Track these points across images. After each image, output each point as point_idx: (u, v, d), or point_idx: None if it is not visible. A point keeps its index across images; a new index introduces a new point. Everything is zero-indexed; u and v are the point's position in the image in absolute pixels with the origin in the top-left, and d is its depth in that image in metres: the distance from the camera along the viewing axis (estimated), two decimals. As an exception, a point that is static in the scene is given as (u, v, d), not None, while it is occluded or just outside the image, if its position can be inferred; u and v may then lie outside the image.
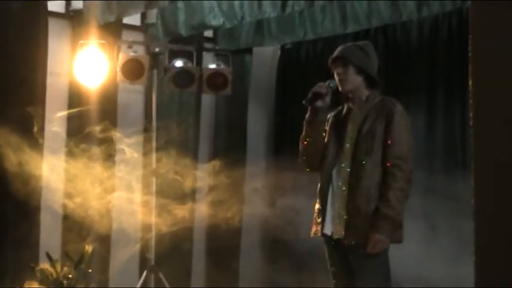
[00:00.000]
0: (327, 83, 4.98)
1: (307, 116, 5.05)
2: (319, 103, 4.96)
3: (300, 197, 6.86)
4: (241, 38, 8.59)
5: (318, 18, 7.96)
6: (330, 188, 4.98)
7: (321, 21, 7.95)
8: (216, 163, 8.18)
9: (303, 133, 5.12)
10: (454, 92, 7.46)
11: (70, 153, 7.80)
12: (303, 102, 5.02)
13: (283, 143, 8.88)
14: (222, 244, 8.29)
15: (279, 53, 9.11)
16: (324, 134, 5.08)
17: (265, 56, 9.13)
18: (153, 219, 7.62)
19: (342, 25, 7.80)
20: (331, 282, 5.05)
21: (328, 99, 4.96)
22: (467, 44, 4.33)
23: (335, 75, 4.96)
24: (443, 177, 7.31)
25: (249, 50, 8.88)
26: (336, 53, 5.02)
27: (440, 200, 7.28)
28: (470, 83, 4.27)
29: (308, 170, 5.20)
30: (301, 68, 8.87)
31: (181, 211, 7.98)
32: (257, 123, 9.16)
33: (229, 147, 8.63)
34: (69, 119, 7.80)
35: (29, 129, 7.44)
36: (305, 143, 5.11)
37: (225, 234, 8.00)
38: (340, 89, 4.95)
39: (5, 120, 7.15)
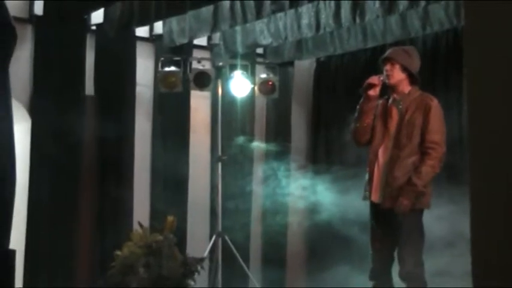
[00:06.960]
0: (377, 76, 5.30)
1: (360, 101, 5.39)
2: (371, 92, 5.32)
3: (337, 183, 7.48)
4: (285, 53, 8.96)
5: (345, 37, 8.32)
6: (376, 163, 5.35)
7: (347, 39, 8.32)
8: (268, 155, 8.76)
9: (356, 115, 5.42)
10: (451, 95, 7.53)
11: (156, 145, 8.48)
12: (359, 90, 5.31)
13: (321, 137, 9.32)
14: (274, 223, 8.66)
15: (314, 65, 9.49)
16: (373, 118, 5.38)
17: (304, 67, 9.47)
18: (220, 188, 8.07)
19: (363, 41, 8.19)
20: (370, 236, 5.42)
21: (378, 89, 5.32)
22: (461, 55, 4.06)
23: (384, 72, 5.33)
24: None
25: (291, 63, 9.24)
26: (386, 53, 5.41)
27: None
28: (465, 88, 4.74)
29: (357, 144, 5.55)
30: (333, 76, 9.24)
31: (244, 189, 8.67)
32: (299, 121, 9.46)
33: (277, 141, 8.90)
34: (155, 120, 8.47)
35: (122, 122, 8.10)
36: (357, 124, 5.41)
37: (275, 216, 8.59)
38: (386, 81, 5.33)
39: (107, 118, 7.95)
